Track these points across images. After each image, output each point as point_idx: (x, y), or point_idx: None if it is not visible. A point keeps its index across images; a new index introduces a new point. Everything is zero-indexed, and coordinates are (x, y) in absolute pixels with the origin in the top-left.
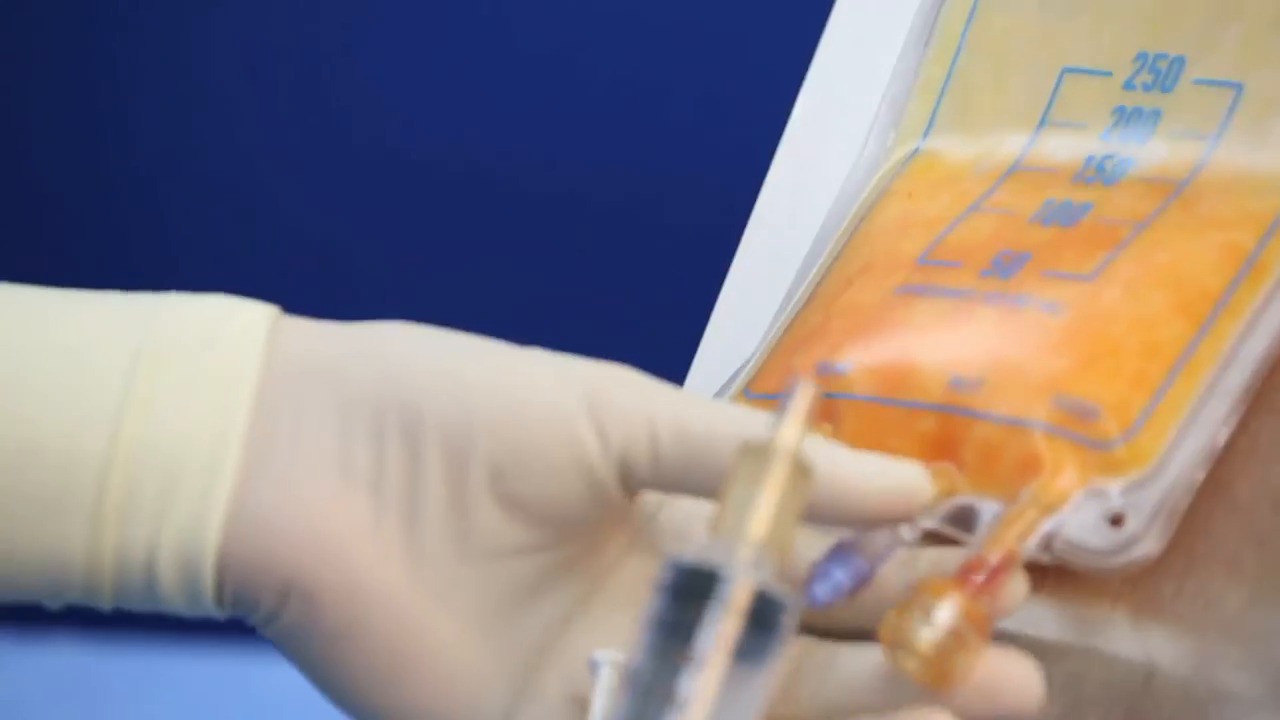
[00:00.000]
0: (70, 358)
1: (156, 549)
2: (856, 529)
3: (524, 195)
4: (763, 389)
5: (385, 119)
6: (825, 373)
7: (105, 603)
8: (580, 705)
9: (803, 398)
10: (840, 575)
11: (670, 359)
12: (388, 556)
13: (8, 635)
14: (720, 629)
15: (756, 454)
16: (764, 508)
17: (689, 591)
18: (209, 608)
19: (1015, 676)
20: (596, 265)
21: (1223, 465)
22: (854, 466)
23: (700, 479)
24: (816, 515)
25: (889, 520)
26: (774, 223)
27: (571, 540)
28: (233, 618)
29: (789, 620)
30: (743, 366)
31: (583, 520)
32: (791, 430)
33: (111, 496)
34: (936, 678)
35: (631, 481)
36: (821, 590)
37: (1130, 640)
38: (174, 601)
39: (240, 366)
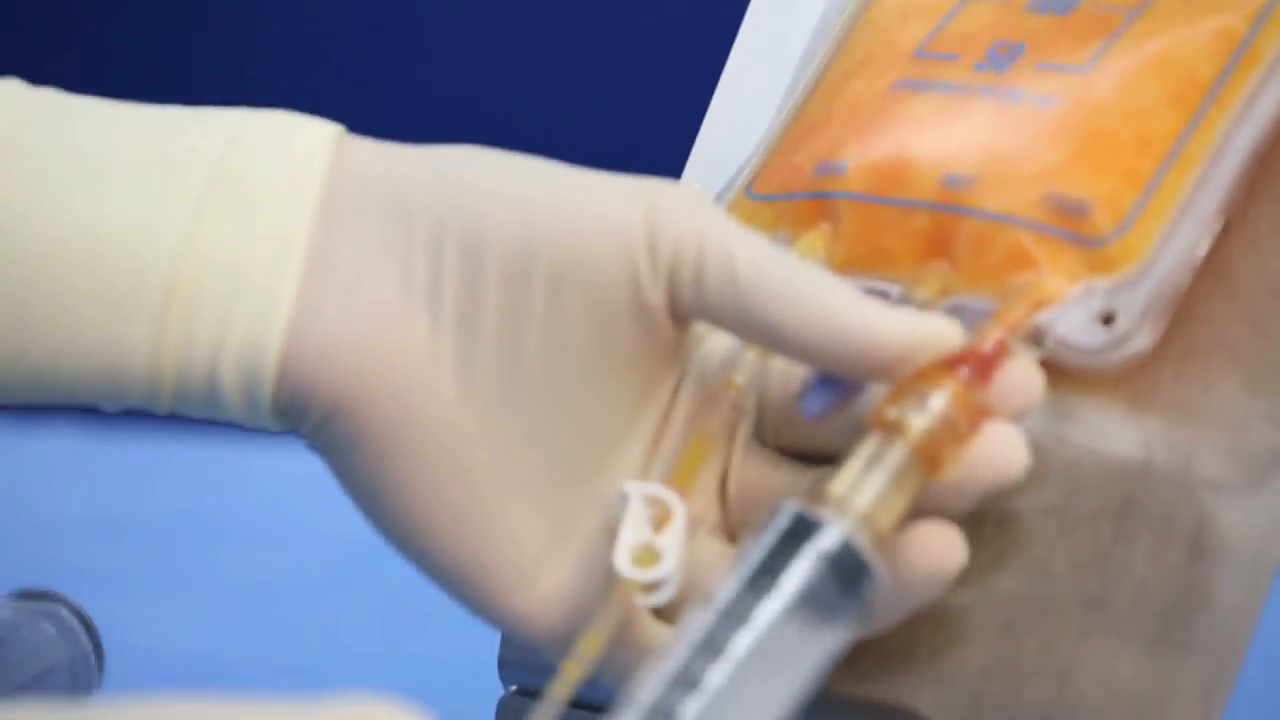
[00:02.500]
0: (146, 165)
1: (219, 353)
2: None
3: None
4: (765, 189)
5: None
6: (825, 172)
7: (163, 407)
8: (608, 550)
9: (942, 399)
10: (832, 385)
11: (665, 156)
12: (440, 370)
13: (5, 421)
14: (806, 567)
15: (890, 431)
16: (879, 489)
17: (787, 534)
18: (265, 415)
19: (999, 446)
20: (588, 54)
21: (1223, 252)
22: (882, 319)
23: (738, 316)
24: (839, 367)
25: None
26: (773, 7)
27: (620, 371)
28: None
29: (871, 594)
30: (744, 165)
31: (633, 346)
32: (923, 421)
33: (178, 301)
34: (927, 464)
35: (677, 307)
36: (813, 402)
37: (1128, 428)
38: (232, 408)
39: (306, 179)
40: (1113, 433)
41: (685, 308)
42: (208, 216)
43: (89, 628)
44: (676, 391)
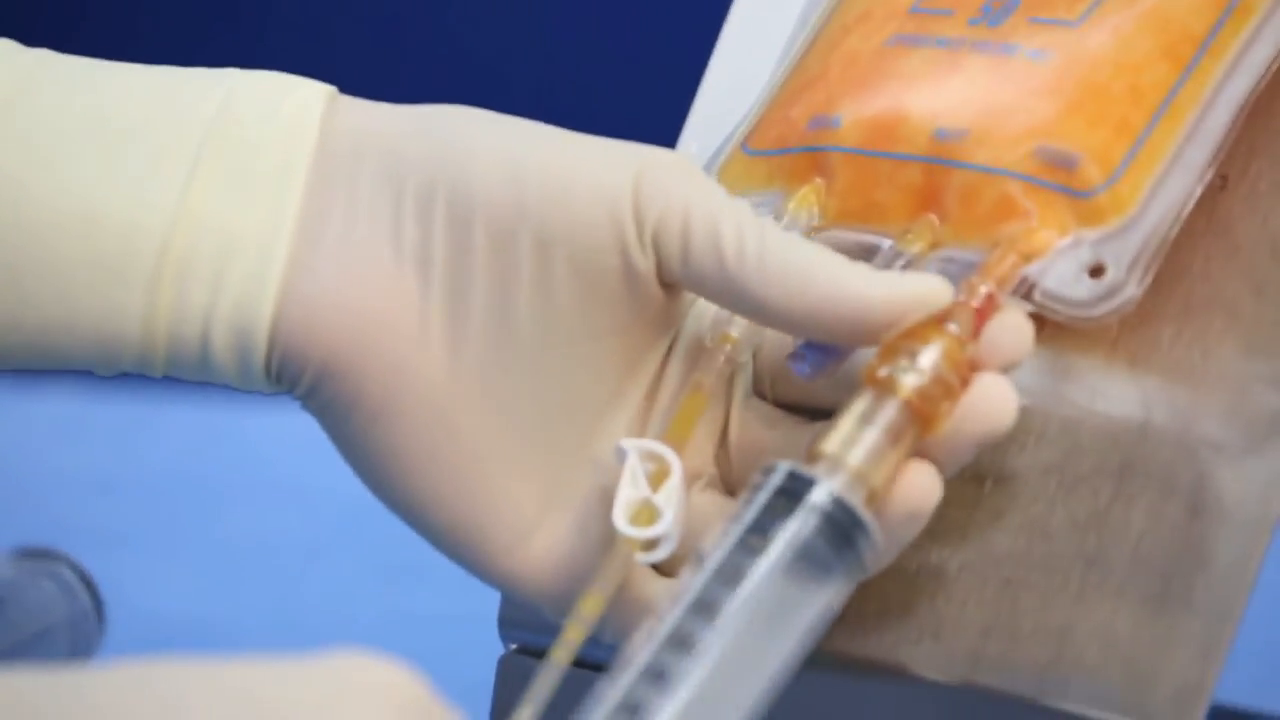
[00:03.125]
0: (140, 129)
1: (211, 317)
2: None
3: None
4: (760, 144)
5: None
6: (819, 126)
7: (157, 371)
8: (610, 496)
9: (934, 354)
10: (823, 347)
11: (665, 112)
12: (430, 334)
13: (2, 382)
14: (797, 525)
15: (883, 389)
16: (871, 446)
17: (779, 492)
18: (258, 378)
19: (989, 398)
20: (587, 12)
21: (1223, 210)
22: (868, 286)
23: (723, 291)
24: (828, 337)
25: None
26: None
27: (611, 334)
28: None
29: (865, 550)
30: (742, 120)
31: (623, 311)
32: (915, 378)
33: (170, 266)
34: (919, 421)
35: (665, 274)
36: (805, 364)
37: (1127, 387)
38: (225, 371)
39: (298, 141)
40: (1112, 392)
41: (673, 277)
42: (200, 182)
43: (90, 586)
44: (671, 350)
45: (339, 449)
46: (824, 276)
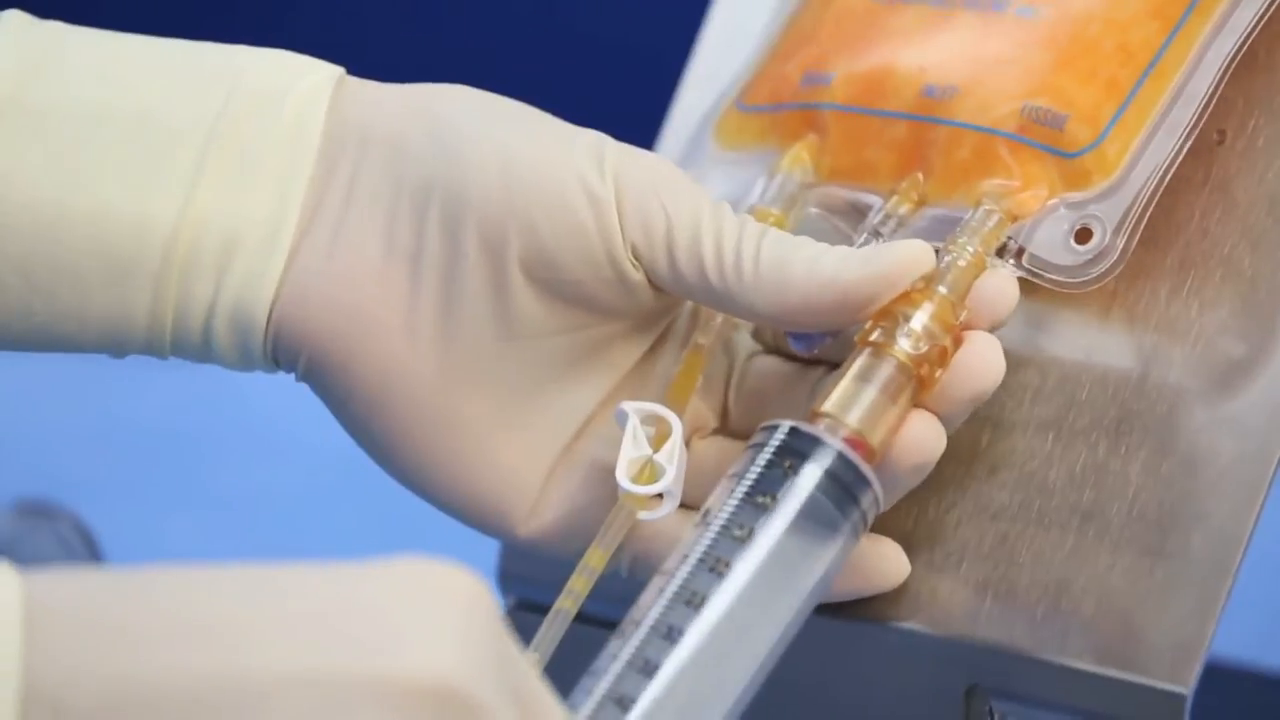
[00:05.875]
0: (147, 122)
1: (214, 311)
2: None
3: None
4: (755, 100)
5: None
6: (812, 83)
7: (163, 356)
8: (608, 472)
9: (924, 316)
10: None
11: (662, 72)
12: (421, 331)
13: None
14: (801, 482)
15: (877, 351)
16: (869, 403)
17: (781, 449)
18: (260, 365)
19: (977, 355)
20: None
21: (1221, 166)
22: (843, 270)
23: (712, 302)
24: (818, 328)
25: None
26: None
27: (604, 324)
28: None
29: (868, 505)
30: (736, 77)
31: (615, 308)
32: (908, 341)
33: (176, 261)
34: (915, 380)
35: (654, 281)
36: (801, 341)
37: (1124, 341)
38: (228, 358)
39: (303, 136)
40: (1109, 347)
41: (661, 285)
42: (207, 178)
43: (89, 541)
44: (669, 328)
45: (345, 430)
46: (801, 273)
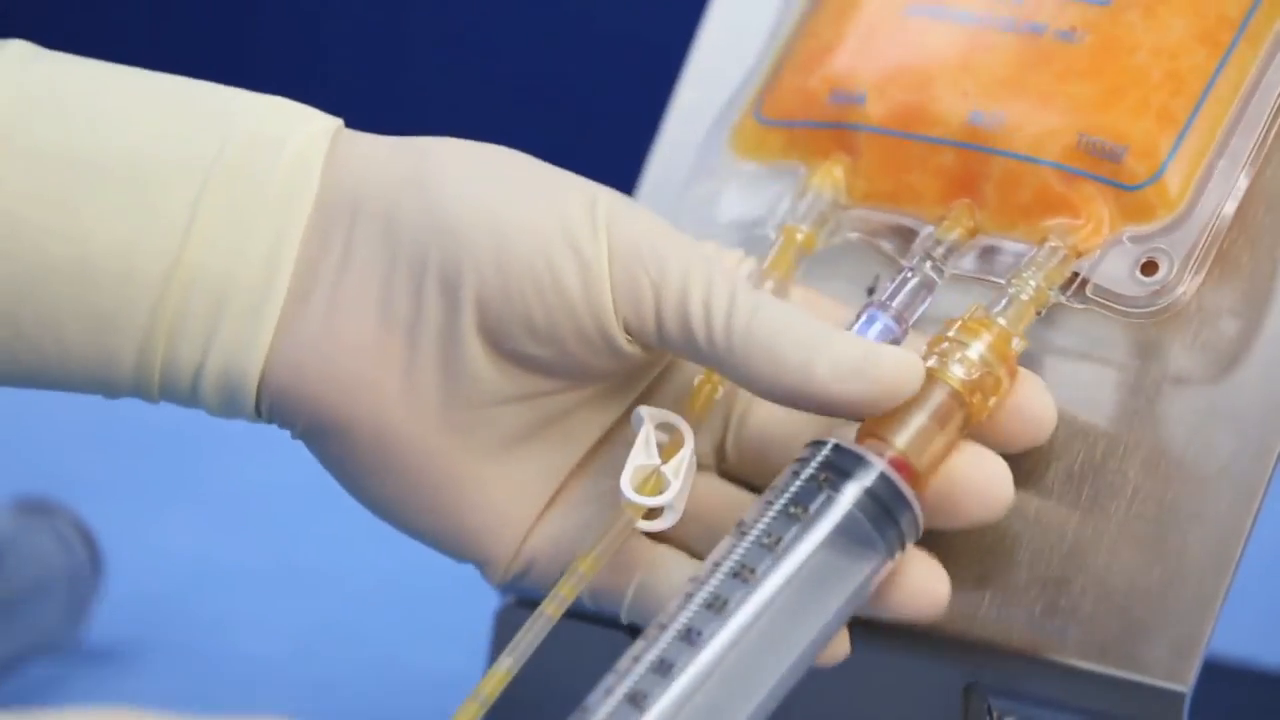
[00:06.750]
0: (138, 169)
1: (201, 370)
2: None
3: None
4: (776, 114)
5: None
6: (842, 101)
7: (153, 402)
8: (607, 503)
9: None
10: (871, 338)
11: (660, 67)
12: (421, 398)
13: None
14: (841, 499)
15: (930, 377)
16: (917, 427)
17: (823, 465)
18: (250, 420)
19: (1033, 405)
20: None
21: None
22: (832, 358)
23: (699, 362)
24: (788, 401)
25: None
26: None
27: (602, 379)
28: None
29: (907, 526)
30: (747, 79)
31: (608, 370)
32: (962, 369)
33: (163, 321)
34: (968, 409)
35: (646, 348)
36: None
37: (1122, 338)
38: (216, 414)
39: (296, 197)
40: (1107, 344)
41: (650, 345)
42: (198, 234)
43: (88, 540)
44: (661, 377)
45: (339, 484)
46: (794, 363)
